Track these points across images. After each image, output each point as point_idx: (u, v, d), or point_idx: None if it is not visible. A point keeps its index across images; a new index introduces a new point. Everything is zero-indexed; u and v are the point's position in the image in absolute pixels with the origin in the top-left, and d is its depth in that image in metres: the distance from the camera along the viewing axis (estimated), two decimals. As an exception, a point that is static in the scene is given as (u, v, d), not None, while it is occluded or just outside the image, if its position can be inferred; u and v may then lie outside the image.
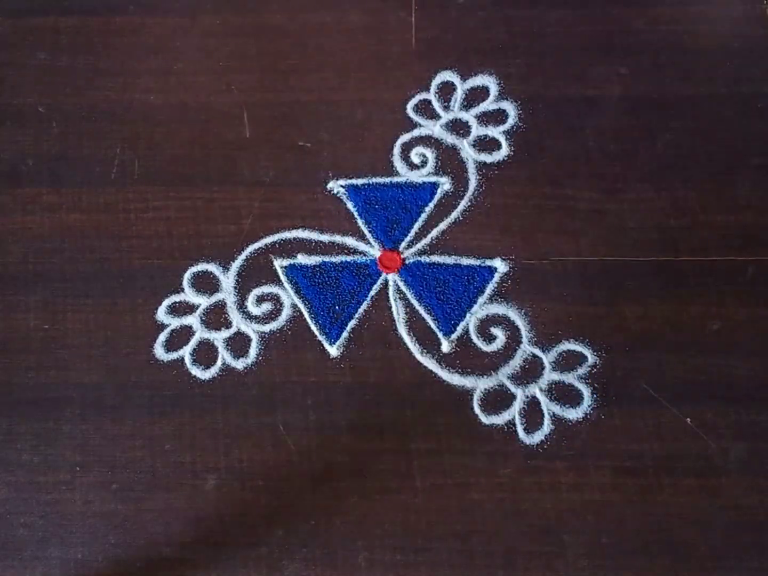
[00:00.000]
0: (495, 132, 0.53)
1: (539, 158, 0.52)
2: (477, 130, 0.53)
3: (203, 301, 0.49)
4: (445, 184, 0.52)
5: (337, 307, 0.49)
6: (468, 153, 0.52)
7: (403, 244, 0.50)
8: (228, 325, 0.49)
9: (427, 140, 0.53)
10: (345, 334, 0.48)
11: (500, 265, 0.49)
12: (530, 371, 0.47)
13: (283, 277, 0.50)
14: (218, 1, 0.57)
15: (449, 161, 0.52)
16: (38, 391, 0.47)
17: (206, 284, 0.49)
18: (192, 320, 0.49)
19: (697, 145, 0.53)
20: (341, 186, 0.51)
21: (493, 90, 0.54)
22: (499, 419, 0.46)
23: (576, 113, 0.53)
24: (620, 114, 0.53)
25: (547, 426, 0.46)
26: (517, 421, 0.46)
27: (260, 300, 0.49)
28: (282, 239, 0.50)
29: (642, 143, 0.53)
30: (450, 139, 0.53)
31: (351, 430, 0.46)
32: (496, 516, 0.44)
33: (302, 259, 0.50)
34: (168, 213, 0.51)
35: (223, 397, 0.47)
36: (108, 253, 0.50)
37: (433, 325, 0.48)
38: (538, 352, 0.48)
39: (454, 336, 0.48)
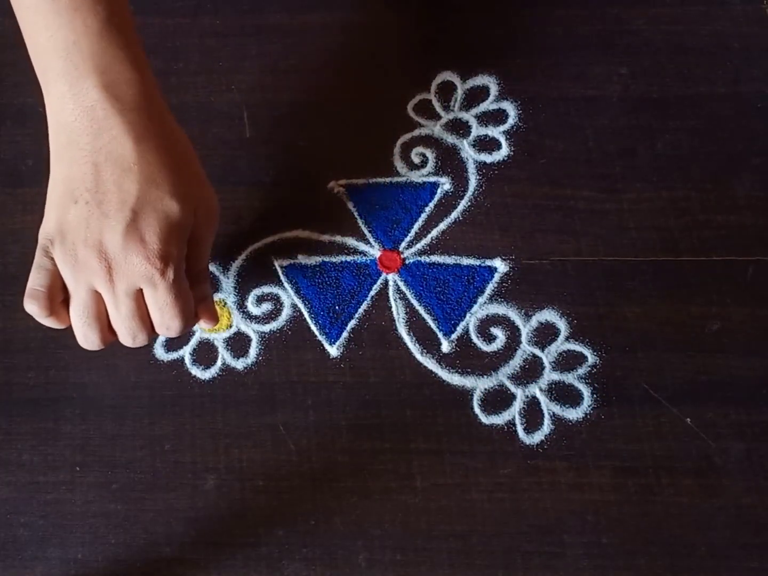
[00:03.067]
0: (495, 132, 0.53)
1: (539, 158, 0.52)
2: (477, 130, 0.53)
3: (203, 301, 0.49)
4: (445, 184, 0.52)
5: (337, 307, 0.49)
6: (468, 153, 0.52)
7: (403, 244, 0.50)
8: (228, 325, 0.49)
9: (427, 140, 0.53)
10: (345, 334, 0.48)
11: (500, 265, 0.49)
12: (530, 371, 0.47)
13: (283, 277, 0.50)
14: (218, 1, 0.57)
15: (449, 161, 0.52)
16: (38, 391, 0.47)
17: (206, 284, 0.49)
18: (192, 320, 0.49)
19: (697, 145, 0.53)
20: (341, 186, 0.51)
21: (493, 90, 0.54)
22: (499, 419, 0.46)
23: (576, 113, 0.53)
24: (620, 114, 0.53)
25: (547, 426, 0.46)
26: (517, 421, 0.46)
27: (260, 300, 0.49)
28: (282, 239, 0.50)
29: (642, 143, 0.53)
30: (450, 139, 0.53)
31: (351, 430, 0.46)
32: (496, 516, 0.44)
33: (302, 259, 0.50)
34: (168, 213, 0.51)
35: (223, 397, 0.47)
36: (108, 253, 0.50)
37: (433, 325, 0.48)
38: (538, 352, 0.48)
39: (454, 336, 0.48)
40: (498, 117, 0.53)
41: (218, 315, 0.45)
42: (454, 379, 0.47)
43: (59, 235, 0.39)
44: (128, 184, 0.38)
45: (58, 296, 0.41)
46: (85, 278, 0.39)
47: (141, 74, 0.39)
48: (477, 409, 0.46)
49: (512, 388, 0.47)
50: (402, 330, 0.48)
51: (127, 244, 0.38)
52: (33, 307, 0.40)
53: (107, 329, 0.41)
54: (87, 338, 0.41)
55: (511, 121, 0.53)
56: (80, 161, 0.38)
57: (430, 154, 0.52)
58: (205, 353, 0.48)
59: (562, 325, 0.48)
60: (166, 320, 0.40)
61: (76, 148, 0.38)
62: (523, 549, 0.44)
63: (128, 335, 0.41)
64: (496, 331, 0.48)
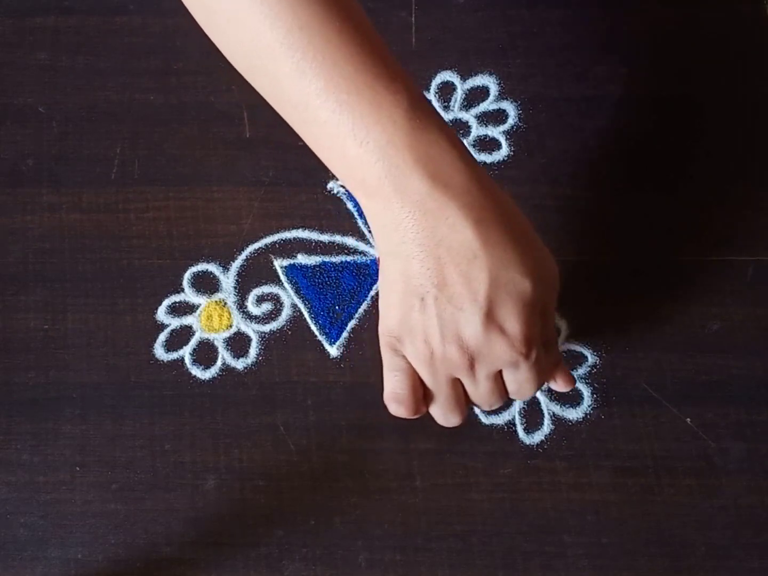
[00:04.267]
0: (495, 132, 0.53)
1: (539, 158, 0.52)
2: (477, 130, 0.53)
3: (203, 301, 0.49)
4: (446, 184, 0.51)
5: (337, 307, 0.49)
6: (468, 153, 0.52)
7: (403, 244, 0.50)
8: (228, 325, 0.49)
9: (427, 140, 0.53)
10: (345, 334, 0.48)
11: (500, 265, 0.49)
12: (530, 371, 0.47)
13: (283, 277, 0.50)
14: (218, 1, 0.57)
15: (449, 161, 0.52)
16: (38, 391, 0.47)
17: (206, 284, 0.49)
18: (192, 320, 0.49)
19: (697, 145, 0.53)
20: (341, 186, 0.51)
21: (493, 90, 0.54)
22: (499, 419, 0.46)
23: (576, 113, 0.53)
24: (620, 114, 0.53)
25: (547, 426, 0.46)
26: (517, 421, 0.46)
27: (260, 300, 0.49)
28: (282, 239, 0.50)
29: (642, 143, 0.53)
30: (450, 139, 0.53)
31: (351, 430, 0.46)
32: (496, 516, 0.44)
33: (302, 259, 0.50)
34: (168, 213, 0.51)
35: (223, 397, 0.47)
36: (108, 253, 0.50)
37: (433, 325, 0.48)
38: (538, 352, 0.48)
39: (454, 336, 0.48)
40: (498, 117, 0.53)
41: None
42: (454, 379, 0.47)
43: (408, 334, 0.38)
44: (477, 272, 0.36)
45: (420, 394, 0.40)
46: (445, 372, 0.39)
47: (458, 150, 0.36)
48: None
49: (512, 388, 0.47)
50: (402, 330, 0.48)
51: (488, 335, 0.36)
52: (400, 410, 0.40)
53: (465, 405, 0.41)
54: (448, 420, 0.41)
55: (511, 121, 0.53)
56: (419, 257, 0.36)
57: (430, 154, 0.52)
58: (205, 353, 0.48)
59: (562, 325, 0.48)
60: (522, 392, 0.40)
61: (412, 244, 0.36)
62: (523, 549, 0.44)
63: (485, 406, 0.41)
64: (496, 331, 0.48)
